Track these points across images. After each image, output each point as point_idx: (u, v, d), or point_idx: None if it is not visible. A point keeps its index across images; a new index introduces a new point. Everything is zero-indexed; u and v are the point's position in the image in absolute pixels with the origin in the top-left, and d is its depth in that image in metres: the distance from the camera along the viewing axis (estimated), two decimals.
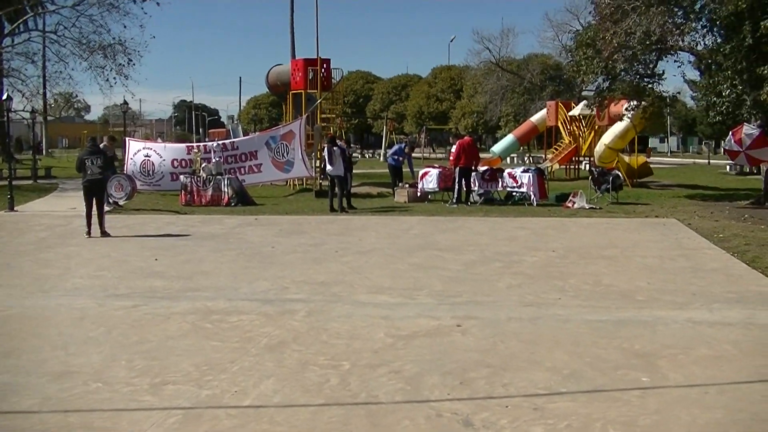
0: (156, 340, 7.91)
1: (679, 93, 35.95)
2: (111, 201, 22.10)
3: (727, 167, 45.23)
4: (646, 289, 10.24)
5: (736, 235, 15.38)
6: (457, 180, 22.56)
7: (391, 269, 11.90)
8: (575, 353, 7.29)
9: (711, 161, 56.05)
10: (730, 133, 21.17)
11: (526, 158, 51.99)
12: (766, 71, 17.70)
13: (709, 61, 22.98)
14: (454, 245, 14.44)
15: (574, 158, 38.18)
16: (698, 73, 46.39)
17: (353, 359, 7.14)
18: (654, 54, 24.02)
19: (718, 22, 19.32)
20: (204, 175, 24.15)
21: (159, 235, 16.32)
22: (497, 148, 44.01)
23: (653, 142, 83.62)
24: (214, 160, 25.15)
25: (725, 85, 20.89)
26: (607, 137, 30.93)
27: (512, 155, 48.38)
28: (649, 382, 6.49)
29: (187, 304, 9.51)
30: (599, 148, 31.41)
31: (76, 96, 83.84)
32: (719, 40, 20.25)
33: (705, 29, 20.50)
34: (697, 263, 12.31)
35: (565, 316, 8.76)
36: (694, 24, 21.17)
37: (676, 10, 21.21)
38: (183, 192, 23.82)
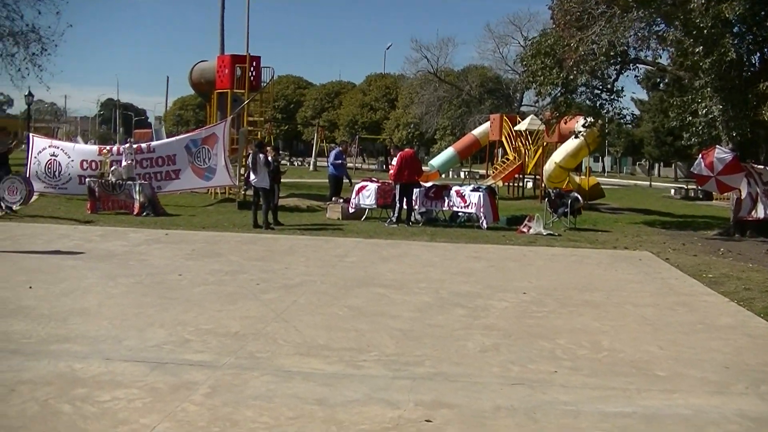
0: None
1: (642, 112, 34.32)
2: (3, 206, 19.48)
3: (672, 191, 43.87)
4: (661, 357, 7.84)
5: (728, 276, 13.24)
6: (397, 197, 20.09)
7: (326, 315, 9.25)
8: None
9: (652, 183, 54.65)
10: (700, 156, 19.06)
11: (462, 173, 50.10)
12: (766, 88, 15.51)
13: (681, 77, 21.01)
14: (401, 280, 11.89)
15: (517, 176, 36.10)
16: (645, 92, 45.41)
17: None
18: (615, 68, 21.98)
19: (704, 32, 17.08)
20: (113, 179, 21.38)
21: (46, 252, 13.47)
22: (436, 161, 42.01)
23: (586, 160, 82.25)
24: (125, 163, 22.32)
25: (702, 104, 18.74)
26: (558, 155, 28.89)
27: (450, 170, 46.47)
28: None
29: (45, 365, 6.79)
30: (549, 166, 29.36)
31: None
32: (699, 54, 18.02)
33: (689, 40, 18.23)
34: (704, 316, 9.98)
35: (573, 404, 6.28)
36: (677, 33, 18.94)
37: (656, 17, 19.01)
38: (90, 198, 21.00)
